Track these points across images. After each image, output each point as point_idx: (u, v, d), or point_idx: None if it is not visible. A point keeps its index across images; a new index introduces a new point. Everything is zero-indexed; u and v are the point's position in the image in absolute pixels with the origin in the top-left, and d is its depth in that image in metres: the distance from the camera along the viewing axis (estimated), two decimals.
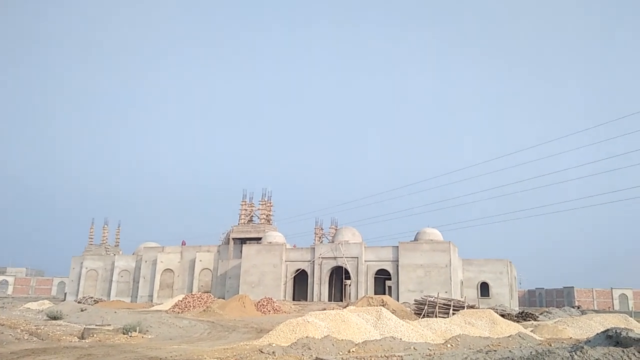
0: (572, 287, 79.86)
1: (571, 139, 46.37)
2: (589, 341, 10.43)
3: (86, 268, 62.28)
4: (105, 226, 68.64)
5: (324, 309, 27.03)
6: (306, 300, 47.05)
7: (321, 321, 16.13)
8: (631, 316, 28.00)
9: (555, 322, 24.74)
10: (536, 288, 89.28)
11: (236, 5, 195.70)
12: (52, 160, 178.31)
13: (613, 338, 9.61)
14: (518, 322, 26.56)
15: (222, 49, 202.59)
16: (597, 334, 10.70)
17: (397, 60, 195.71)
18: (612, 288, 79.26)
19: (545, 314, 37.88)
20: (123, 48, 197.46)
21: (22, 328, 19.68)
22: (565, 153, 46.89)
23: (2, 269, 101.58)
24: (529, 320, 30.16)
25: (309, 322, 15.74)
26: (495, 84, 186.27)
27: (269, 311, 35.30)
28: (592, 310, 59.12)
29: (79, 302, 41.97)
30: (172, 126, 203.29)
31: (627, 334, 9.41)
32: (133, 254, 63.26)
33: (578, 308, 55.81)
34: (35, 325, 21.01)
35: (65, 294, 66.57)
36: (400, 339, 15.23)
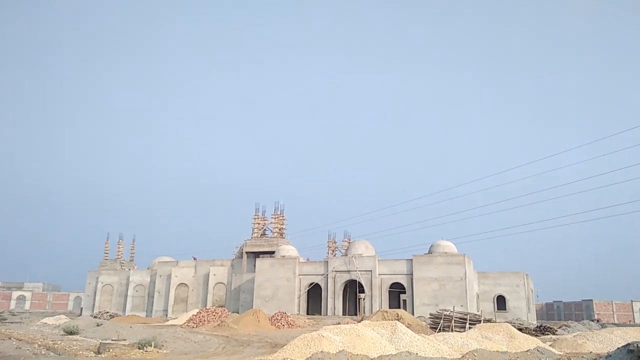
0: (591, 300, 78.33)
1: (593, 147, 45.42)
2: (610, 356, 10.25)
3: (102, 283, 62.77)
4: (120, 241, 69.27)
5: (339, 323, 26.89)
6: (320, 314, 46.79)
7: (336, 336, 16.03)
8: None
9: (574, 336, 24.26)
10: (554, 301, 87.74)
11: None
12: (69, 177, 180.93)
13: (635, 352, 9.42)
14: (536, 336, 26.09)
15: (239, 54, 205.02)
16: (618, 348, 10.50)
17: (405, 62, 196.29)
18: (632, 301, 77.51)
19: (564, 327, 37.21)
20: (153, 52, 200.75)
21: (39, 343, 19.89)
22: (585, 162, 46.27)
23: (20, 284, 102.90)
24: (548, 334, 29.61)
25: (323, 336, 15.65)
26: (512, 90, 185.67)
27: (283, 325, 35.17)
28: (612, 323, 57.87)
29: (94, 317, 42.30)
30: (183, 138, 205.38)
31: None
32: (148, 269, 63.62)
33: (598, 321, 54.68)
34: (52, 340, 21.20)
35: (82, 308, 67.06)
36: (417, 353, 15.07)
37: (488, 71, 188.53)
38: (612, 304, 77.57)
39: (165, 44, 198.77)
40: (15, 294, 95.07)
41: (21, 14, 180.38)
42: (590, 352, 18.84)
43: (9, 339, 21.33)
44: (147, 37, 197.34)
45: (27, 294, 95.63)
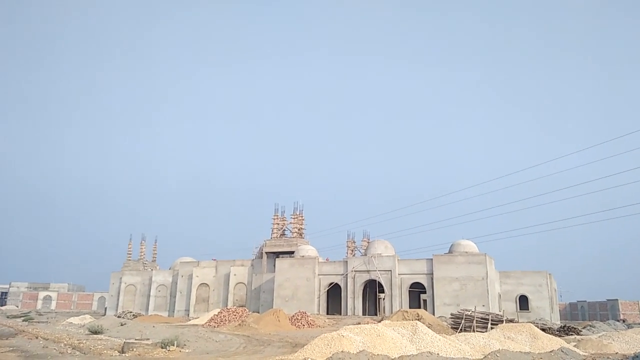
0: (617, 299, 76.61)
1: (615, 143, 44.12)
2: (637, 356, 10.06)
3: (125, 283, 63.74)
4: (143, 242, 70.27)
5: (359, 323, 26.86)
6: (340, 314, 46.78)
7: (356, 335, 16.03)
8: None
9: (599, 337, 23.82)
10: (578, 301, 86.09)
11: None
12: (90, 180, 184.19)
13: None
14: (560, 336, 25.70)
15: (255, 56, 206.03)
16: None
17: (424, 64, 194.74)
18: None
19: (588, 328, 36.50)
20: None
21: (65, 342, 20.33)
22: (607, 159, 45.13)
23: (46, 285, 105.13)
24: (572, 334, 29.12)
25: (343, 336, 15.66)
26: (524, 88, 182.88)
27: (303, 325, 35.27)
28: (639, 324, 56.55)
29: (118, 317, 42.97)
30: (203, 141, 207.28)
31: None
32: (170, 269, 64.42)
33: (623, 322, 53.54)
34: (78, 340, 21.64)
35: (106, 308, 68.23)
36: (438, 354, 14.98)
37: (495, 71, 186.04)
38: (638, 304, 75.76)
39: (166, 44, 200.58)
40: (42, 294, 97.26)
41: (20, 14, 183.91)
42: (616, 353, 18.49)
43: (36, 338, 21.86)
44: (148, 37, 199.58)
45: (53, 294, 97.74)
